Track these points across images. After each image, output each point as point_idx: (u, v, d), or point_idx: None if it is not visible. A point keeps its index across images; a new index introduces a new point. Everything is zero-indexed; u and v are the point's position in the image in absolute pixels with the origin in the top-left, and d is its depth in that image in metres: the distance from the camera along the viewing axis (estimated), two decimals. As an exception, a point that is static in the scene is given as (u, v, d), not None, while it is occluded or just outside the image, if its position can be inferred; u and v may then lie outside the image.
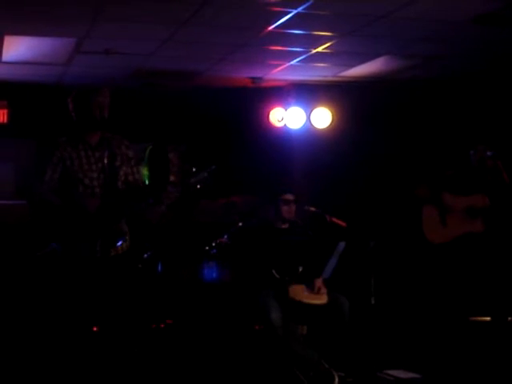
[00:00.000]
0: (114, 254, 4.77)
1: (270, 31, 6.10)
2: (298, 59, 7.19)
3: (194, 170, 4.83)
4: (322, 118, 8.55)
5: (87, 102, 4.75)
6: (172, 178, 8.80)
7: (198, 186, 4.79)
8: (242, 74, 7.91)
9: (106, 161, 4.75)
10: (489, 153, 6.26)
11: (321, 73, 7.90)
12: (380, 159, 8.36)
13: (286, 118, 8.52)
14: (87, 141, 4.83)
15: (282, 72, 7.80)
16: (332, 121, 8.56)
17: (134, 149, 5.05)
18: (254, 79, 8.06)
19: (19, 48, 6.60)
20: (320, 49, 6.76)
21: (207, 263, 6.73)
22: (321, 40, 6.47)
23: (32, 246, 4.91)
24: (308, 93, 8.50)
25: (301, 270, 5.83)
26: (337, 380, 5.46)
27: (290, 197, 6.01)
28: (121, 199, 4.79)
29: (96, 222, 4.65)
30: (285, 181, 8.15)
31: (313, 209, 6.20)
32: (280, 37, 6.30)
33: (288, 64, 7.42)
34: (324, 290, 5.80)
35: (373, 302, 6.21)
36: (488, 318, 6.45)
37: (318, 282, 5.82)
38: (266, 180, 8.08)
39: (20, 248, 7.17)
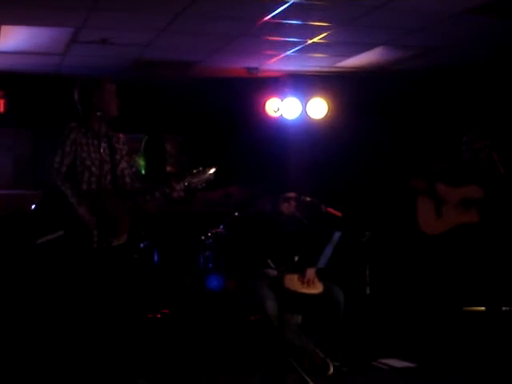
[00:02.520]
0: (117, 243, 4.82)
1: (267, 21, 6.11)
2: (294, 49, 7.20)
3: (194, 171, 4.90)
4: (318, 108, 8.55)
5: (99, 90, 4.87)
6: (168, 169, 8.83)
7: (200, 187, 4.91)
8: (238, 65, 7.91)
9: (108, 152, 4.86)
10: (481, 144, 6.28)
11: (317, 63, 7.90)
12: (376, 150, 8.38)
13: (282, 108, 8.53)
14: (95, 130, 4.88)
15: (278, 62, 7.79)
16: (328, 111, 8.55)
17: (129, 139, 5.13)
18: (249, 69, 8.05)
19: (16, 38, 6.59)
20: (316, 39, 6.76)
21: (203, 253, 6.76)
22: (317, 30, 6.47)
23: (31, 235, 4.92)
24: (304, 83, 8.49)
25: (296, 259, 5.85)
26: (332, 369, 5.49)
27: (292, 195, 6.06)
28: (120, 193, 4.86)
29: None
30: (287, 178, 8.21)
31: (308, 199, 6.22)
32: (276, 27, 6.30)
33: (284, 54, 7.42)
34: (315, 281, 5.82)
35: (368, 291, 6.24)
36: (482, 308, 6.48)
37: (311, 273, 5.83)
38: (263, 171, 8.10)
39: (18, 238, 7.18)
